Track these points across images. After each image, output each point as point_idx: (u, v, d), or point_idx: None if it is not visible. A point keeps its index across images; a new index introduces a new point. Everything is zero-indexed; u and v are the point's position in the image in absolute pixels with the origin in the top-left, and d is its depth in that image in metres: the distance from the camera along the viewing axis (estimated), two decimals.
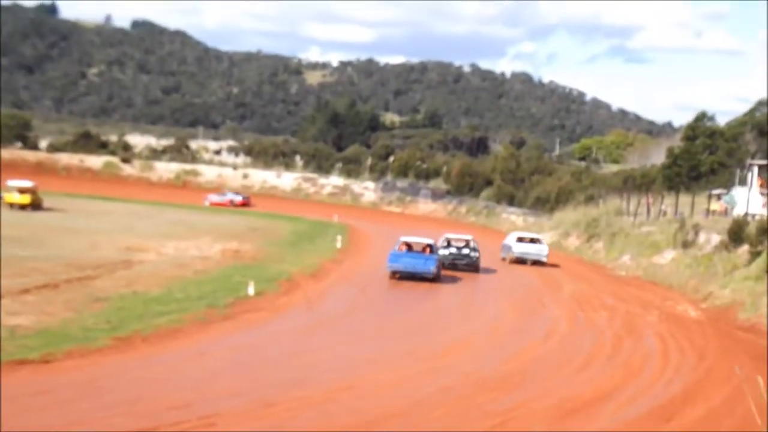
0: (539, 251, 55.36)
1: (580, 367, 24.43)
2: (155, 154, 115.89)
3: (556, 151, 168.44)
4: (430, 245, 44.38)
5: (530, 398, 20.29)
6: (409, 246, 44.91)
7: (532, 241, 57.17)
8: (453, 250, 49.05)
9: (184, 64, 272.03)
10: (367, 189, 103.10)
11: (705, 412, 20.24)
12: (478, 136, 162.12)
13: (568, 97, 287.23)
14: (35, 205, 62.24)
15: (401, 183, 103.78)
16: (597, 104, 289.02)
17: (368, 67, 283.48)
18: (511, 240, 57.83)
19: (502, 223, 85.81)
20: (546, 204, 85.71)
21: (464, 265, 48.15)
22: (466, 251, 49.10)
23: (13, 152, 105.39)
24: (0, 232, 41.00)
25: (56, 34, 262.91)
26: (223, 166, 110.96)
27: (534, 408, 19.36)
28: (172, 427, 15.75)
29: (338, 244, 54.05)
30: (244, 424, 16.34)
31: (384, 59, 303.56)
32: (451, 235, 51.61)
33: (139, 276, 34.27)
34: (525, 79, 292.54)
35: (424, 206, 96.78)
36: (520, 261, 54.82)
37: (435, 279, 41.50)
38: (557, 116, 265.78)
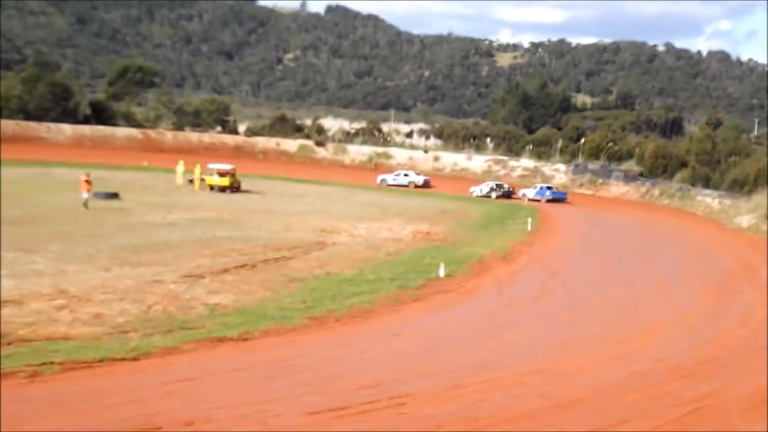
0: (415, 179, 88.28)
1: None
2: (348, 137, 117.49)
3: (755, 132, 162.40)
4: (550, 186, 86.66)
5: (724, 386, 19.81)
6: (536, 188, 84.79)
7: (406, 175, 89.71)
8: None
9: (376, 48, 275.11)
10: (557, 171, 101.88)
11: None
12: (672, 116, 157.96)
13: None
14: (234, 188, 64.10)
15: (593, 165, 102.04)
16: None
17: (560, 48, 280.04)
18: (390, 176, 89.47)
19: (697, 206, 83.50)
20: (743, 186, 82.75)
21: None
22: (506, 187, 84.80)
23: (213, 136, 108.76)
24: None
25: (254, 21, 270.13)
26: (414, 149, 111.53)
27: (727, 396, 18.90)
28: (363, 407, 16.08)
29: (528, 227, 53.72)
30: (433, 406, 16.53)
31: (576, 40, 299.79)
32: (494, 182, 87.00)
33: (333, 257, 34.98)
34: (722, 57, 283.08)
35: (616, 189, 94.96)
36: (402, 186, 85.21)
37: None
38: (756, 95, 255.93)
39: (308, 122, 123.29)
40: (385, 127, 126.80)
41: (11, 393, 15.59)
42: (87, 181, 46.59)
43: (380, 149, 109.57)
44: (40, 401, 15.26)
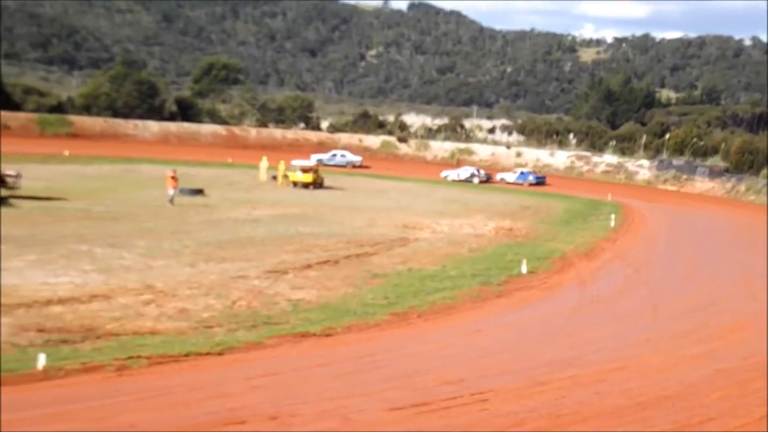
0: (352, 159, 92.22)
1: None
2: (430, 133, 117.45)
3: None
4: (524, 171, 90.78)
5: None
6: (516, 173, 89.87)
7: (343, 155, 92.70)
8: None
9: (458, 44, 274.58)
10: (641, 167, 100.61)
11: None
12: (759, 111, 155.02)
13: None
14: (317, 184, 64.50)
15: (677, 161, 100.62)
16: None
17: (644, 43, 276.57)
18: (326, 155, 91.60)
19: None
20: None
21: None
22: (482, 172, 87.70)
23: (297, 132, 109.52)
24: None
25: (337, 18, 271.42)
26: (496, 145, 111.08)
27: None
28: (446, 403, 16.09)
29: (612, 223, 53.21)
30: (516, 402, 16.49)
31: (660, 34, 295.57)
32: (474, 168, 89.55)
33: (415, 253, 35.10)
34: None
35: (701, 185, 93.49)
36: (340, 166, 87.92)
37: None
38: None
39: (391, 118, 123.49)
40: (468, 123, 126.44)
41: (100, 386, 15.94)
42: (173, 178, 47.26)
43: (462, 145, 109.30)
44: (127, 395, 15.55)
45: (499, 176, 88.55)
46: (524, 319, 25.46)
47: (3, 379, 15.70)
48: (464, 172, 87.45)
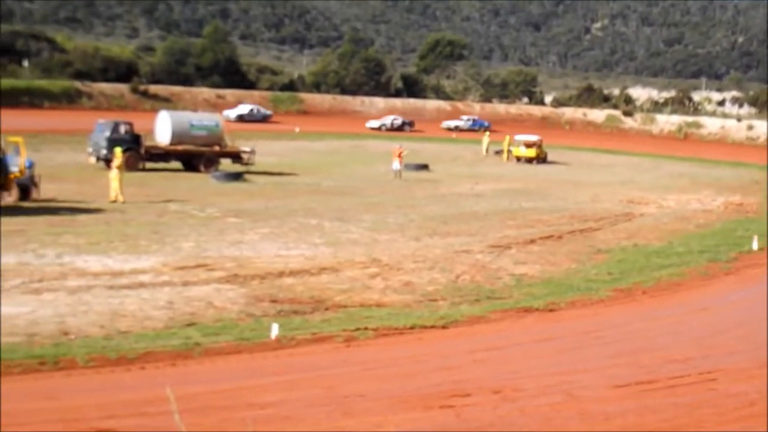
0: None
1: None
2: (657, 106, 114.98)
3: None
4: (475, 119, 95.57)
5: None
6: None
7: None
8: None
9: (687, 15, 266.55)
10: None
11: None
12: None
13: None
14: (540, 159, 64.29)
15: None
16: None
17: None
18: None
19: None
20: None
21: None
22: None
23: (520, 107, 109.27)
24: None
25: None
26: (726, 118, 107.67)
27: None
28: (671, 381, 15.75)
29: None
30: (746, 382, 16.00)
31: None
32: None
33: (640, 229, 34.54)
34: None
35: None
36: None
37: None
38: None
39: (616, 92, 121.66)
40: (696, 96, 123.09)
41: (329, 356, 16.44)
42: (399, 154, 48.12)
43: (690, 119, 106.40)
44: (355, 365, 15.99)
45: (445, 124, 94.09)
46: (754, 297, 24.63)
47: (240, 347, 16.47)
48: (397, 121, 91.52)
